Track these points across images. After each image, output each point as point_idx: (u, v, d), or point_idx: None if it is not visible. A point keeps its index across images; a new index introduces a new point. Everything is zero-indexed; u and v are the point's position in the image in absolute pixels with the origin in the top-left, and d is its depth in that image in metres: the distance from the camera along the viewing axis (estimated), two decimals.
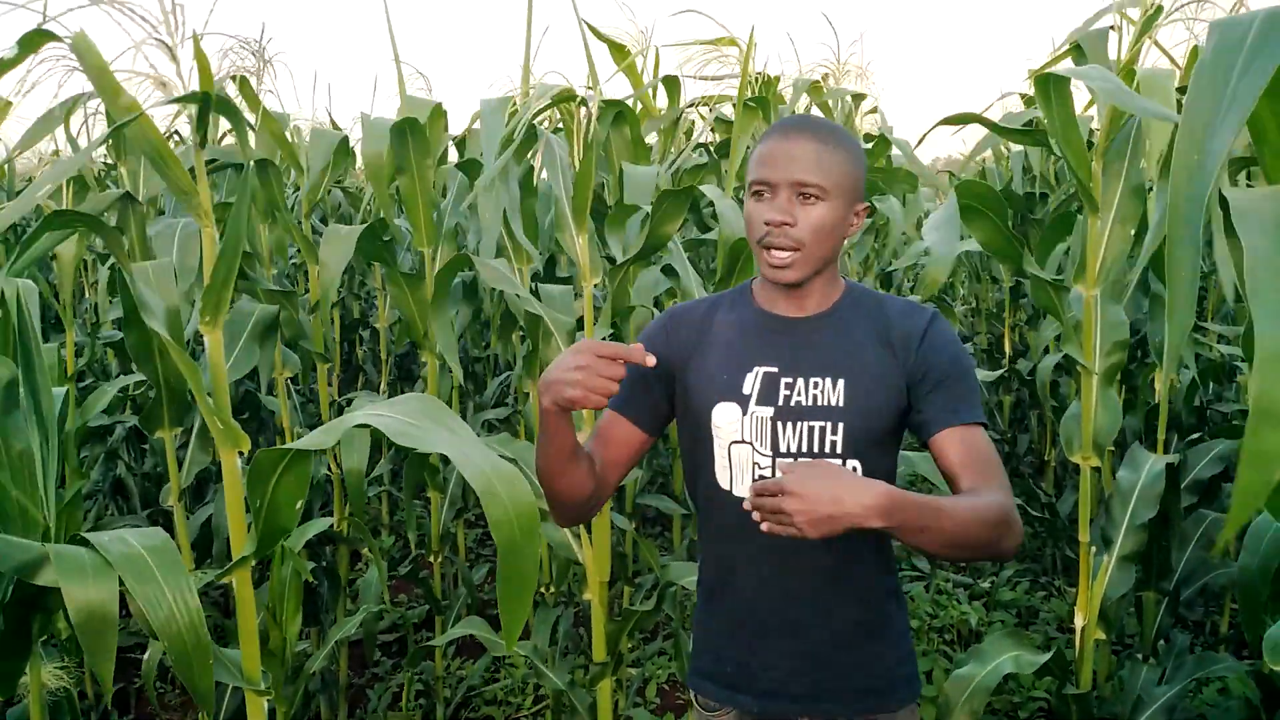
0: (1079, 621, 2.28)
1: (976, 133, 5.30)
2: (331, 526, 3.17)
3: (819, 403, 1.50)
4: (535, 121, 2.49)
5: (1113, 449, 3.31)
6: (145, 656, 2.46)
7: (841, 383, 1.50)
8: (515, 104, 2.47)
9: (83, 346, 3.95)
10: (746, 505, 1.30)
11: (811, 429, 1.50)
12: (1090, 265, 2.18)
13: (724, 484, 1.57)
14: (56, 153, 4.75)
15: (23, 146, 2.52)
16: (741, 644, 1.58)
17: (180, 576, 1.35)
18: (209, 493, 3.53)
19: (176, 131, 3.66)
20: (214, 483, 3.43)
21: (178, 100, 1.59)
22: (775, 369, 1.53)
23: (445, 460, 3.35)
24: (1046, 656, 2.15)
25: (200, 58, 1.59)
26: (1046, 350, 4.18)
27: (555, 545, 2.46)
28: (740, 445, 1.54)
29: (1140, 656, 2.86)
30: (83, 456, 3.51)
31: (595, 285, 2.37)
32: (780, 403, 1.51)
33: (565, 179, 2.31)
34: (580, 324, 2.48)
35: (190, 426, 3.07)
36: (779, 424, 1.51)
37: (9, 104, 2.31)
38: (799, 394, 1.51)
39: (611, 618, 2.49)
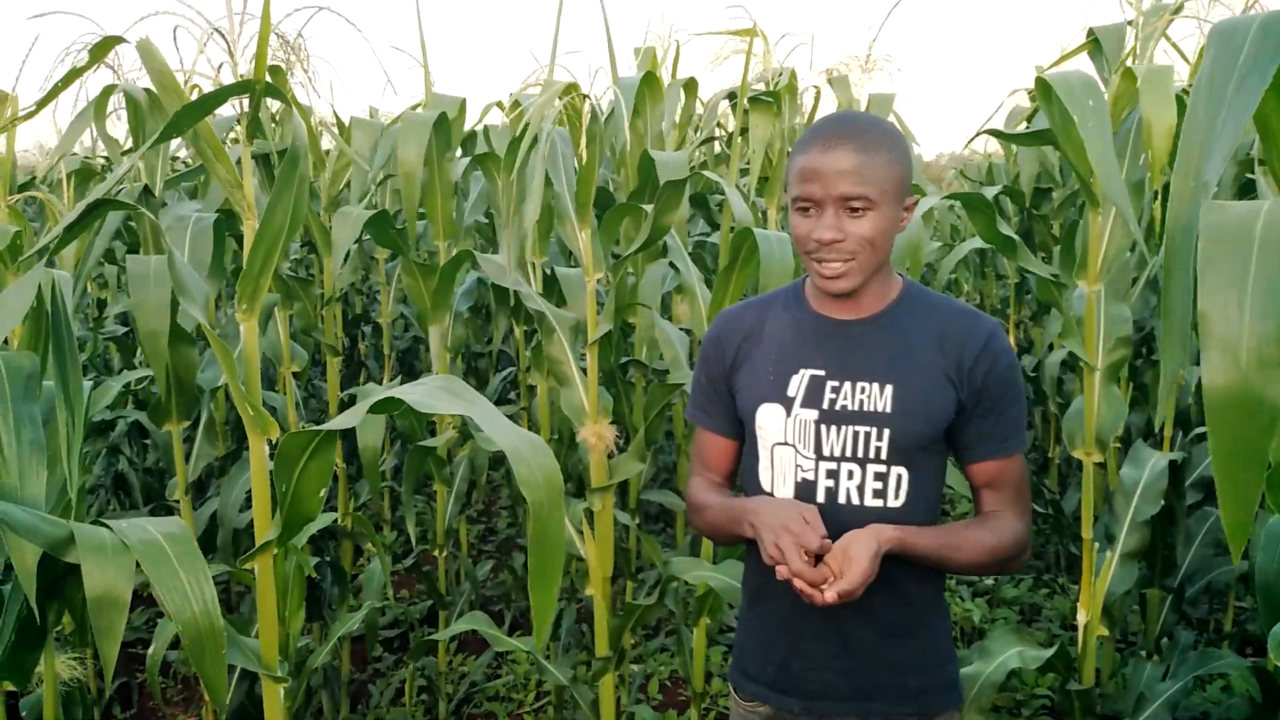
0: (1082, 618, 2.28)
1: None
2: (335, 521, 3.17)
3: (865, 407, 1.49)
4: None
5: (1118, 446, 3.30)
6: (149, 651, 2.46)
7: (890, 388, 1.49)
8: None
9: (85, 342, 3.95)
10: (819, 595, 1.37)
11: (856, 434, 1.49)
12: (1092, 261, 2.18)
13: (766, 485, 1.56)
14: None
15: (64, 146, 2.56)
16: (785, 645, 1.58)
17: (197, 564, 1.38)
18: (211, 488, 3.53)
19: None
20: (216, 478, 3.43)
21: (232, 91, 1.60)
22: (822, 372, 1.52)
23: (451, 454, 3.36)
24: (1050, 652, 2.15)
25: (262, 46, 1.60)
26: (1051, 347, 4.18)
27: None
28: (783, 447, 1.53)
29: (1144, 653, 2.86)
30: (85, 451, 3.51)
31: (599, 280, 2.37)
32: (825, 406, 1.50)
33: (568, 173, 2.31)
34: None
35: (197, 420, 3.08)
36: (823, 427, 1.50)
37: (8, 96, 2.33)
38: (845, 398, 1.50)
39: (614, 613, 2.49)
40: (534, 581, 1.22)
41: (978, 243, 3.36)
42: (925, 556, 1.45)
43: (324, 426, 1.38)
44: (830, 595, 1.35)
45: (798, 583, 1.36)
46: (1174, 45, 2.64)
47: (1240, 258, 0.75)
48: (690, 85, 3.16)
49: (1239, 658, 2.57)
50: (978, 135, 2.57)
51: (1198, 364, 3.28)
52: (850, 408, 1.50)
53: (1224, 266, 0.76)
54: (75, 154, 4.22)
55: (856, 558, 1.36)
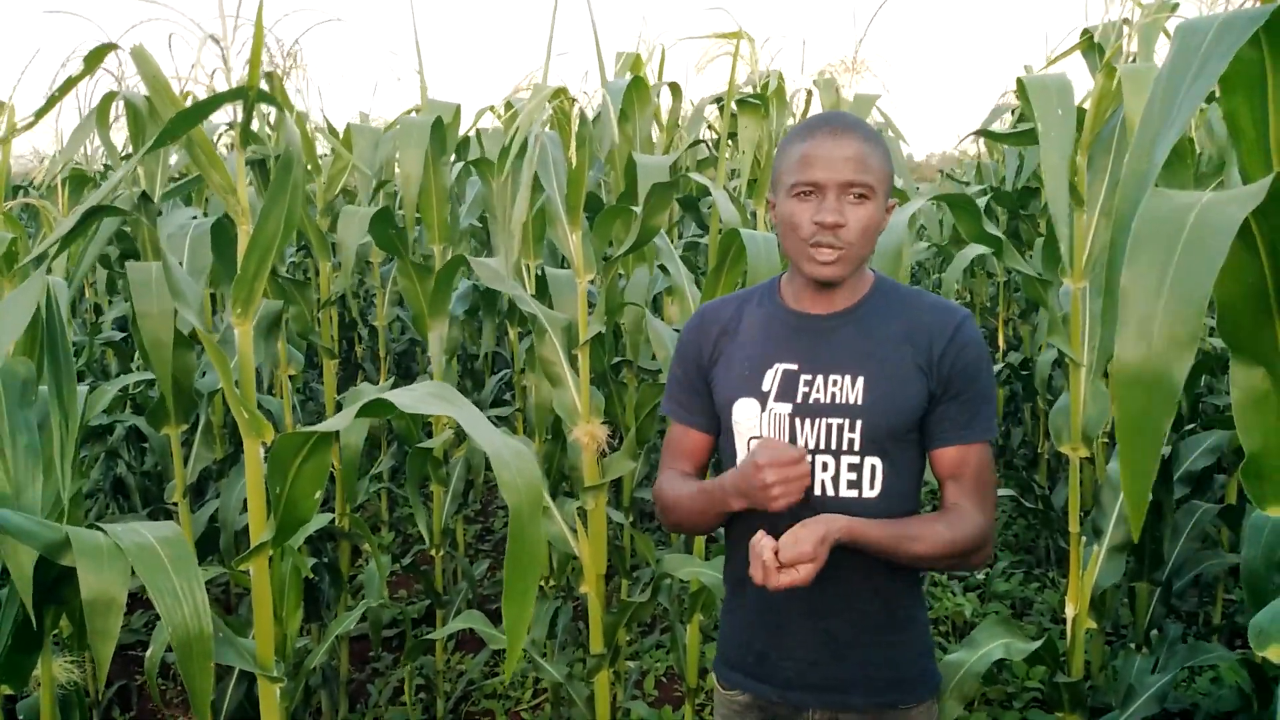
0: (1070, 611, 2.30)
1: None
2: (332, 522, 3.19)
3: (837, 400, 1.52)
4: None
5: (1106, 441, 3.33)
6: (148, 653, 2.48)
7: (861, 380, 1.52)
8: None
9: (81, 346, 3.97)
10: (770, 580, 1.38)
11: (830, 426, 1.52)
12: (1077, 258, 2.21)
13: None
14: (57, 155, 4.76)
15: (67, 154, 2.58)
16: (765, 634, 1.61)
17: (189, 569, 1.39)
18: (209, 491, 3.56)
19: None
20: (214, 481, 3.46)
21: (225, 98, 1.62)
22: (795, 366, 1.55)
23: (447, 455, 3.39)
24: (1037, 644, 2.17)
25: (256, 53, 1.63)
26: (1041, 347, 4.21)
27: (553, 539, 2.48)
28: (758, 441, 1.55)
29: (1133, 646, 2.89)
30: (83, 456, 3.54)
31: (590, 281, 2.40)
32: (799, 400, 1.53)
33: (559, 176, 2.34)
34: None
35: (195, 423, 3.10)
36: (797, 420, 1.53)
37: (4, 105, 2.36)
38: (818, 391, 1.53)
39: (609, 610, 2.52)
40: (509, 594, 1.18)
41: (979, 247, 3.38)
42: (879, 548, 1.46)
43: (316, 428, 1.39)
44: (783, 580, 1.36)
45: (761, 562, 1.38)
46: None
47: (1168, 242, 0.79)
48: (675, 89, 3.19)
49: (1227, 650, 2.60)
50: (971, 136, 2.60)
51: None
52: (823, 401, 1.52)
53: (1152, 248, 0.79)
54: (74, 160, 4.25)
55: (801, 539, 1.37)
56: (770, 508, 1.41)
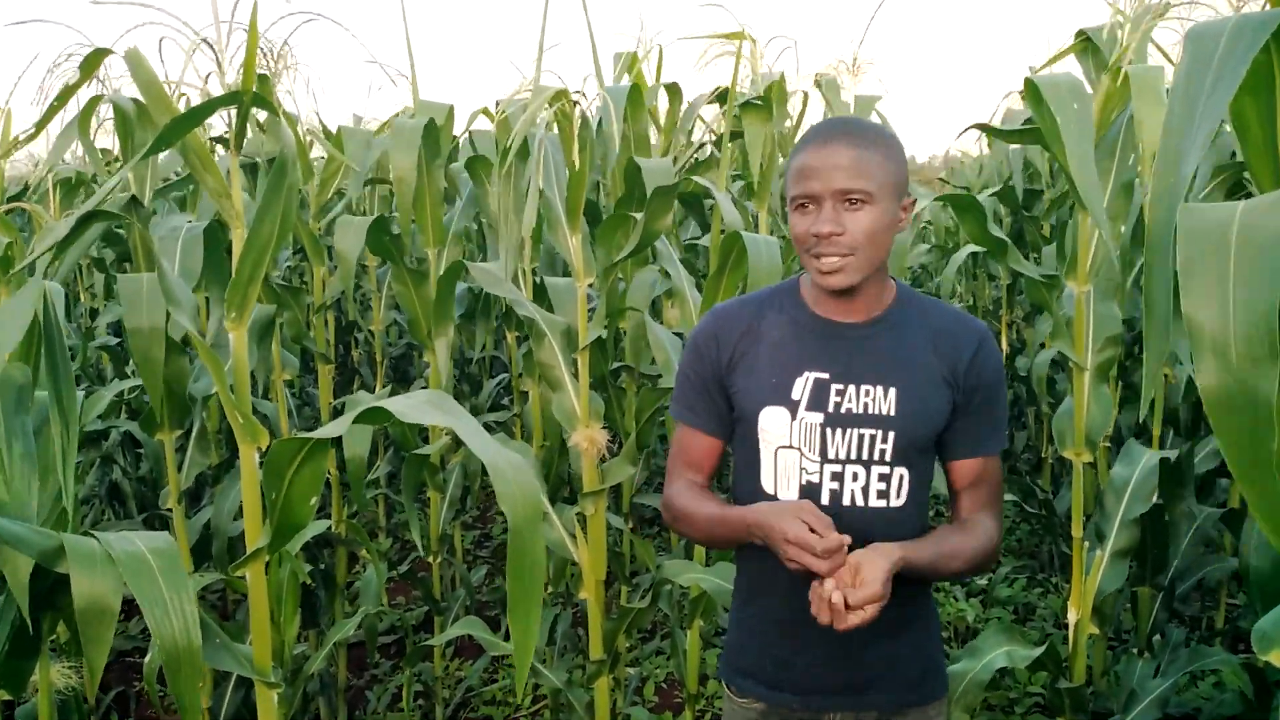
0: (1072, 616, 2.29)
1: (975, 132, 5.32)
2: (329, 529, 3.18)
3: (870, 410, 1.51)
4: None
5: (1109, 445, 3.32)
6: (146, 659, 2.47)
7: (894, 391, 1.51)
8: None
9: (76, 351, 3.95)
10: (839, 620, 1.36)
11: (862, 436, 1.51)
12: (1081, 262, 2.20)
13: (769, 488, 1.56)
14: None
15: (52, 159, 2.57)
16: (784, 642, 1.59)
17: (180, 579, 1.37)
18: (205, 496, 3.54)
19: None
20: (210, 486, 3.44)
21: (221, 102, 1.61)
22: (826, 375, 1.53)
23: (444, 461, 3.37)
24: (1039, 651, 2.16)
25: (250, 57, 1.62)
26: (1042, 346, 4.20)
27: (552, 545, 2.47)
28: (788, 450, 1.54)
29: (1136, 651, 2.87)
30: (78, 461, 3.52)
31: (590, 285, 2.38)
32: (830, 409, 1.51)
33: (559, 179, 2.32)
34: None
35: (189, 429, 3.08)
36: (828, 430, 1.51)
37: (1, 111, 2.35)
38: (850, 401, 1.51)
39: (608, 616, 2.50)
40: (514, 608, 1.15)
41: (973, 247, 3.37)
42: (923, 569, 1.46)
43: (311, 434, 1.38)
44: (853, 620, 1.35)
45: (824, 604, 1.36)
46: (1160, 48, 2.66)
47: (1219, 260, 0.77)
48: (674, 91, 3.17)
49: (1229, 654, 2.59)
50: (969, 130, 2.59)
51: (1181, 363, 3.30)
52: (855, 411, 1.51)
53: (1205, 270, 0.77)
54: (68, 163, 4.23)
55: (870, 580, 1.35)
56: (786, 555, 1.39)
